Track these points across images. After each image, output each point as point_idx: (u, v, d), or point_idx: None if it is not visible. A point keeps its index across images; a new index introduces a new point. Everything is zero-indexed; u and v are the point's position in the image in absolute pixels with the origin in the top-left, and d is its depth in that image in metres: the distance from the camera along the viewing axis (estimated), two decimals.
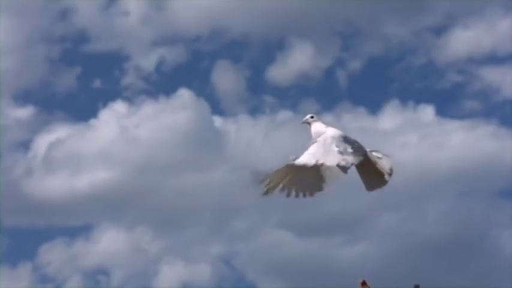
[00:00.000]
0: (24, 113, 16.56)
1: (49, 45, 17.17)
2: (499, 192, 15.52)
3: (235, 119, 17.02)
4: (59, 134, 16.16)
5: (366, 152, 4.81)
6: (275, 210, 14.93)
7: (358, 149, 4.74)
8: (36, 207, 15.43)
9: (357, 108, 16.63)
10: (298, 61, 16.97)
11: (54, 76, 17.12)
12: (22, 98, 16.86)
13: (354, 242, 14.98)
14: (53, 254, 15.02)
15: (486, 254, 14.16)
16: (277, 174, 4.69)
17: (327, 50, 17.42)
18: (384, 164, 4.84)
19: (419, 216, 15.31)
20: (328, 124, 4.88)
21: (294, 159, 4.63)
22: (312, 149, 4.67)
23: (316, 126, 4.86)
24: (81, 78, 16.97)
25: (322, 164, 4.56)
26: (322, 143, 4.69)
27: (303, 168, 4.57)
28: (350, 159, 4.61)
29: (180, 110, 16.62)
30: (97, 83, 17.19)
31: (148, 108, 16.74)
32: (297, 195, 4.74)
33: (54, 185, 15.53)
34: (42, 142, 16.05)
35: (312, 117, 4.90)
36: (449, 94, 16.98)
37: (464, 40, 16.89)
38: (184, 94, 16.80)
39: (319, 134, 4.78)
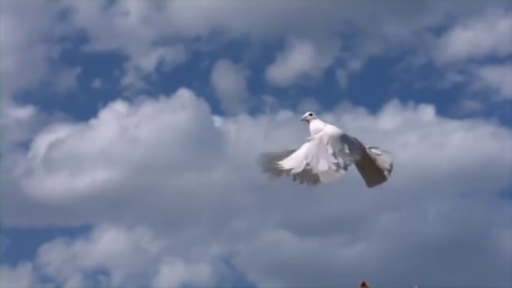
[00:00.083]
0: (24, 113, 16.60)
1: (49, 45, 17.22)
2: (499, 192, 15.57)
3: (235, 119, 17.05)
4: (59, 134, 16.21)
5: (365, 149, 4.81)
6: (275, 210, 14.97)
7: (357, 146, 4.73)
8: (36, 207, 15.46)
9: (357, 108, 16.66)
10: (298, 61, 16.99)
11: (54, 76, 17.17)
12: (22, 98, 16.91)
13: (354, 242, 15.00)
14: (53, 254, 15.05)
15: (486, 254, 14.17)
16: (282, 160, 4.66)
17: (327, 50, 17.45)
18: (384, 161, 4.85)
19: (419, 216, 15.34)
20: (327, 123, 4.85)
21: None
22: (306, 148, 4.66)
23: (315, 124, 4.84)
24: (81, 78, 17.02)
25: (311, 169, 4.56)
26: (318, 142, 4.67)
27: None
28: (343, 162, 4.59)
29: (180, 110, 16.66)
30: (97, 83, 17.24)
31: (148, 108, 16.78)
32: (301, 182, 4.71)
33: (54, 185, 15.56)
34: (42, 142, 16.09)
35: (310, 114, 4.89)
36: (449, 94, 17.02)
37: (464, 40, 16.93)
38: (184, 94, 16.83)
39: (317, 131, 4.77)
